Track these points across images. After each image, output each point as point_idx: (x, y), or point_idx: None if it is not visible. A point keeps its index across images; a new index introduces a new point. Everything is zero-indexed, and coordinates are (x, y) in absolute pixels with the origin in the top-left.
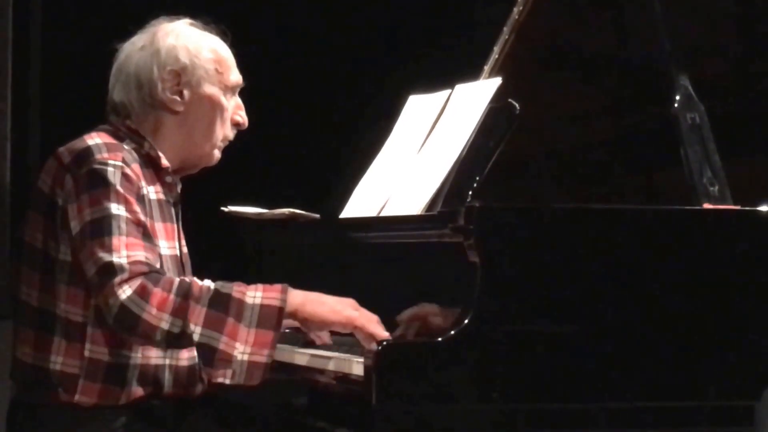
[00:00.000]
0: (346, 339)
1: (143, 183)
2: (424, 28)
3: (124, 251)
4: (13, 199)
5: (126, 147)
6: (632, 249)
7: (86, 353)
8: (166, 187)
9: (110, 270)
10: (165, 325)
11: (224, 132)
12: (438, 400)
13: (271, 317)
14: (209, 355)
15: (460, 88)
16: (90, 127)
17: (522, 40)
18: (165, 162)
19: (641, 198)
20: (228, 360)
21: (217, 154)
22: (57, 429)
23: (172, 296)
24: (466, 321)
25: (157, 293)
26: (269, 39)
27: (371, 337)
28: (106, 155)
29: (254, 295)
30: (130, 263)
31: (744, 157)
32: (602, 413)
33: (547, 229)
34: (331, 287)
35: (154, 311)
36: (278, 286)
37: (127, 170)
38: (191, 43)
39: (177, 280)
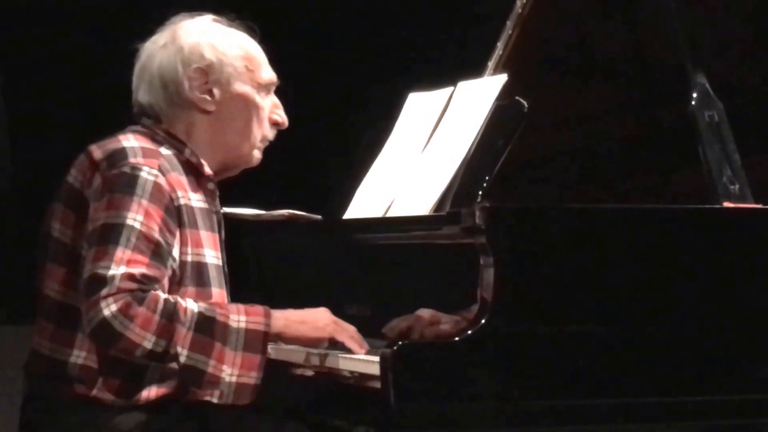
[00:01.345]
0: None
1: (181, 192)
2: (423, 22)
3: (123, 266)
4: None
5: (164, 153)
6: (649, 249)
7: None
8: (209, 195)
9: (100, 281)
10: (147, 344)
11: (262, 132)
12: (455, 399)
13: (257, 342)
14: (197, 377)
15: (463, 85)
16: (62, 126)
17: (527, 35)
18: (208, 170)
19: (659, 198)
20: (216, 382)
21: (257, 154)
22: (72, 423)
23: (156, 317)
24: (483, 321)
25: (141, 312)
26: (266, 37)
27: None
28: (141, 160)
29: (238, 318)
30: (121, 277)
31: (764, 155)
32: (621, 410)
33: (559, 229)
34: (335, 291)
35: (137, 330)
36: (260, 309)
37: (161, 180)
38: (217, 40)
39: (162, 299)
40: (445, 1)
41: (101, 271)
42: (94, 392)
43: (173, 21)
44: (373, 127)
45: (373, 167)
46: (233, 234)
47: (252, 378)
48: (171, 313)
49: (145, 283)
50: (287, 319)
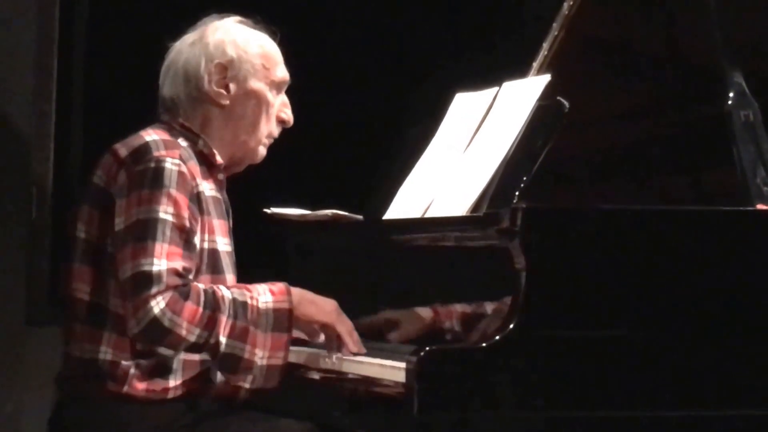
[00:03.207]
0: (384, 345)
1: (199, 180)
2: (471, 23)
3: (164, 260)
4: (55, 199)
5: (182, 144)
6: (685, 252)
7: (137, 347)
8: (218, 184)
9: (147, 279)
10: (192, 338)
11: (269, 128)
12: (481, 408)
13: (283, 320)
14: (234, 363)
15: (507, 85)
16: (133, 128)
17: (572, 36)
18: (219, 159)
19: (692, 199)
20: (250, 367)
21: (262, 150)
22: (105, 422)
23: (201, 309)
24: (511, 326)
25: (188, 307)
26: (311, 36)
27: (340, 344)
28: (163, 152)
29: (266, 300)
30: (168, 272)
31: None
32: (653, 422)
33: (595, 231)
34: (374, 289)
35: (185, 324)
36: (282, 287)
37: (183, 169)
38: (239, 38)
39: (202, 291)
40: (496, 4)
41: (146, 269)
42: (126, 388)
43: (204, 21)
44: (419, 127)
45: (416, 167)
46: (278, 232)
47: (280, 358)
48: (213, 304)
49: (186, 275)
50: (302, 296)
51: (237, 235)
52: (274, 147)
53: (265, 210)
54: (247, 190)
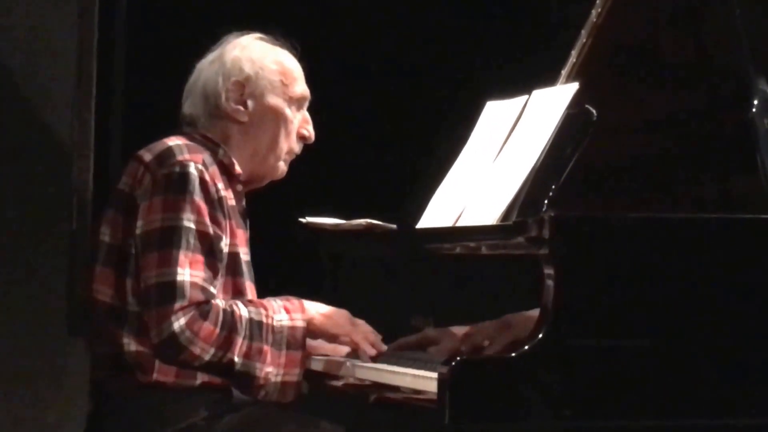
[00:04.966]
0: (416, 355)
1: (220, 185)
2: (500, 32)
3: (188, 269)
4: (95, 208)
5: (204, 151)
6: (714, 260)
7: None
8: (237, 196)
9: (171, 290)
10: (207, 357)
11: (289, 144)
12: (512, 417)
13: (298, 338)
14: (247, 381)
15: (537, 93)
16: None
17: (600, 44)
18: (238, 169)
19: (717, 206)
20: (263, 384)
21: (282, 166)
22: (138, 410)
23: (218, 330)
24: (540, 335)
25: (206, 327)
26: (343, 45)
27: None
28: (187, 156)
29: (281, 318)
30: (190, 285)
31: None
32: (687, 430)
33: (624, 239)
34: (407, 298)
35: (201, 344)
36: (297, 304)
37: (206, 175)
38: (256, 55)
39: (221, 311)
40: (525, 12)
41: (170, 279)
42: (155, 376)
43: (223, 40)
44: (452, 136)
45: (448, 176)
46: (313, 241)
47: (294, 376)
48: (230, 325)
49: (209, 288)
50: (317, 311)
51: (271, 243)
52: (309, 157)
53: (300, 219)
54: (281, 199)
